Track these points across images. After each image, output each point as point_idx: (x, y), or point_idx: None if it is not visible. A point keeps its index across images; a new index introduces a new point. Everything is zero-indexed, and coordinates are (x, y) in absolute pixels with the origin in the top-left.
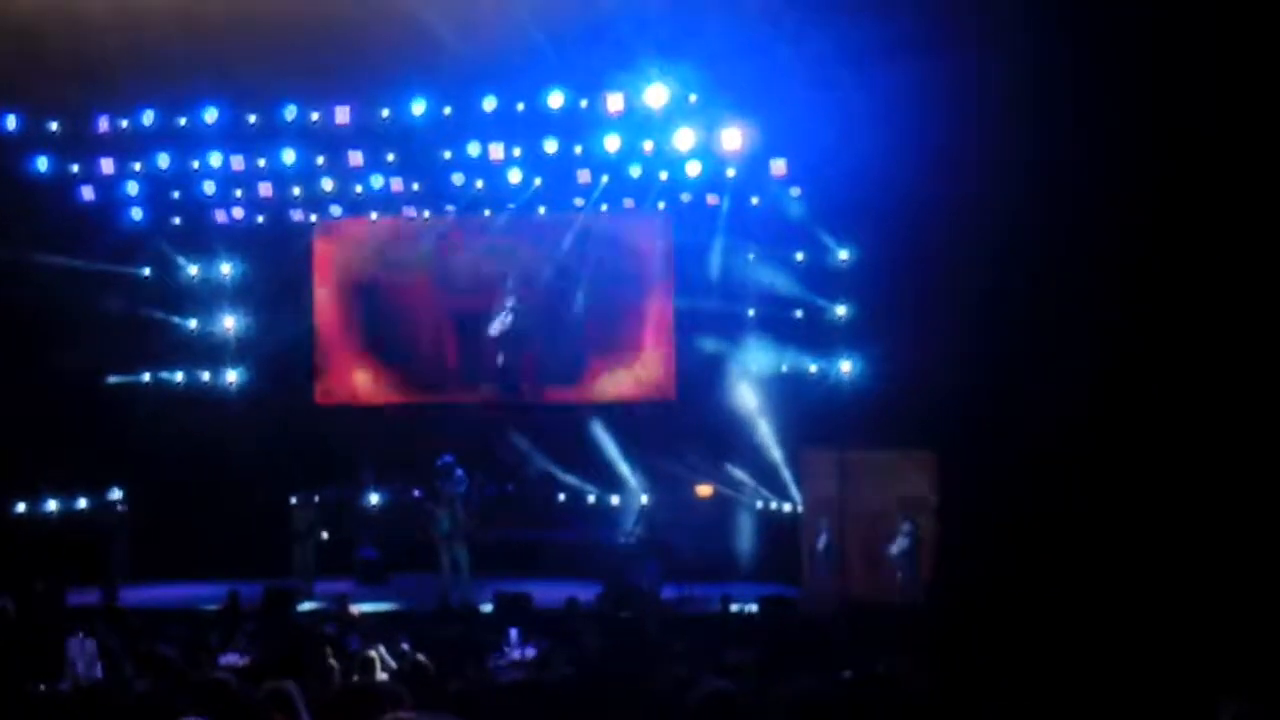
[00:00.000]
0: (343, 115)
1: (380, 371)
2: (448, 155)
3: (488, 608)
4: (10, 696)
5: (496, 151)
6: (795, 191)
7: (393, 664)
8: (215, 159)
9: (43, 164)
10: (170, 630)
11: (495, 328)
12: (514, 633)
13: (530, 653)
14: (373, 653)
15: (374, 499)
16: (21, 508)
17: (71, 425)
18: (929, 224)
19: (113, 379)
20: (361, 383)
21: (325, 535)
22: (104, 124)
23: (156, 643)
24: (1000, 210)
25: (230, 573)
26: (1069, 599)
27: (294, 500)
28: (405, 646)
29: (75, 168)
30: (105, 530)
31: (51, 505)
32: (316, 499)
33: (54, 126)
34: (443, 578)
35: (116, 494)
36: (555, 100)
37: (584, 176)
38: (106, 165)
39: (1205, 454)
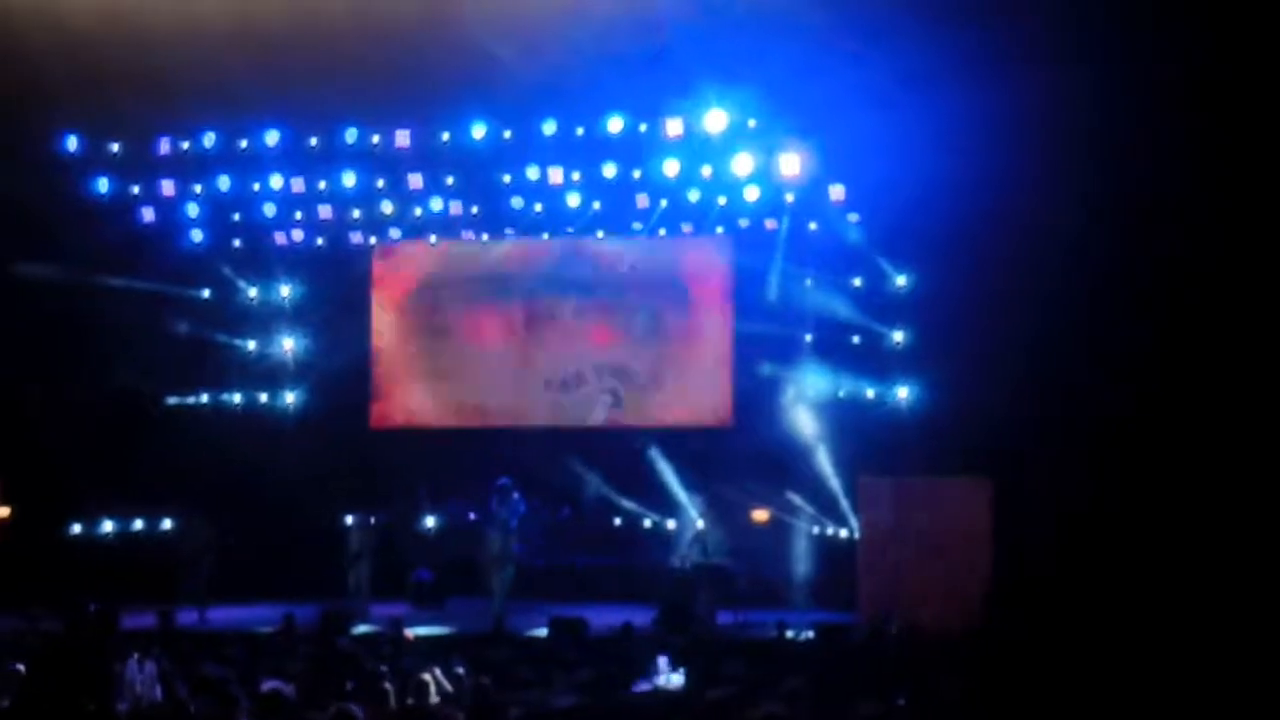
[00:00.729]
0: (403, 138)
1: (437, 395)
2: (507, 179)
3: (542, 632)
4: (62, 717)
5: (556, 175)
6: (853, 217)
7: (448, 687)
8: (276, 181)
9: (104, 185)
10: (225, 653)
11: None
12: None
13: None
14: (427, 676)
15: (429, 522)
16: (77, 529)
17: (129, 446)
18: (987, 250)
19: (171, 400)
20: (418, 405)
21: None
22: (165, 145)
23: (209, 665)
24: (1059, 235)
25: (286, 595)
26: (1129, 623)
27: (349, 522)
28: (460, 670)
29: (136, 189)
30: (181, 551)
31: (107, 527)
32: (372, 521)
33: (115, 148)
34: (494, 601)
35: (167, 520)
36: (615, 125)
37: (643, 201)
38: (167, 187)
39: (1270, 482)
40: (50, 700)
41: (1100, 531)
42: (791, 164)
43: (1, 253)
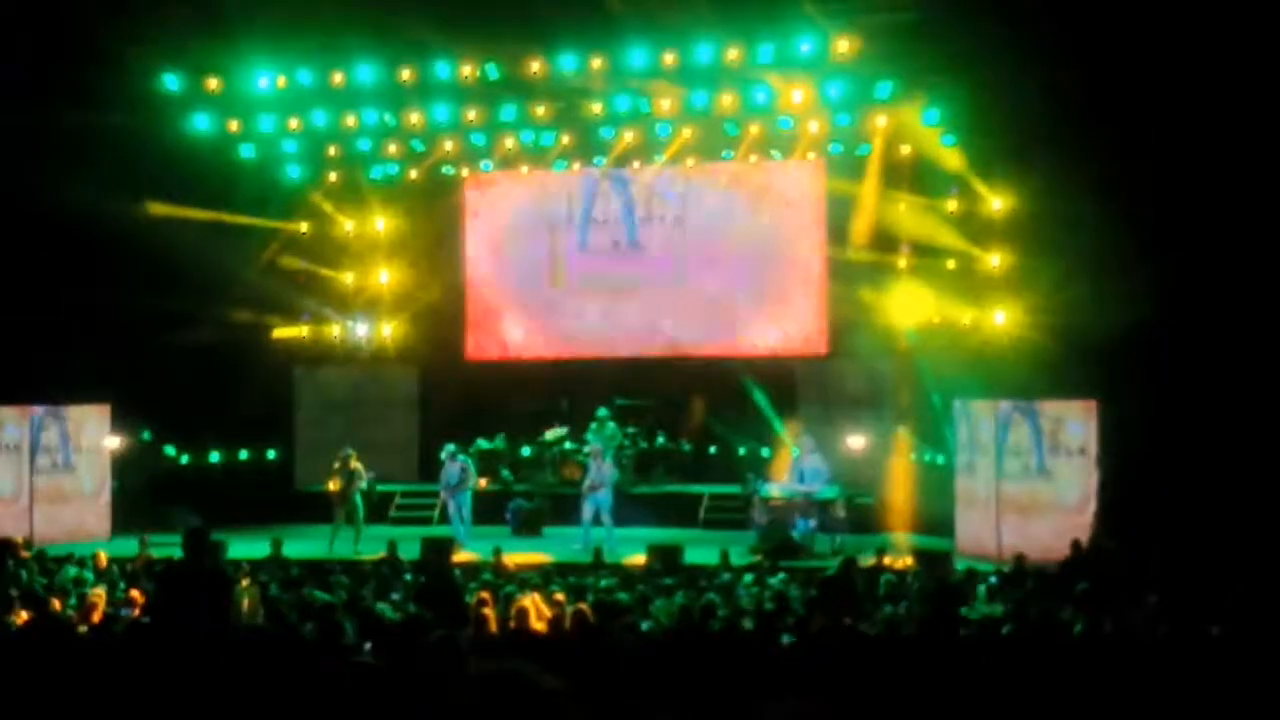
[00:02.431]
0: (493, 70)
1: (531, 325)
2: (598, 109)
3: (640, 559)
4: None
5: (646, 104)
6: (947, 139)
7: (546, 612)
8: (370, 115)
9: (202, 123)
10: (331, 579)
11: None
12: None
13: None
14: (527, 601)
15: (527, 451)
16: (185, 459)
17: (233, 379)
18: (1086, 170)
19: (275, 333)
20: (513, 337)
21: (481, 485)
22: (263, 82)
23: (316, 591)
24: (1159, 152)
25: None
26: (1231, 543)
27: (446, 452)
28: (559, 596)
29: (234, 126)
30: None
31: (215, 457)
32: (470, 451)
33: (213, 85)
34: (588, 529)
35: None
36: (705, 52)
37: (733, 128)
38: (265, 123)
39: None
40: (175, 618)
41: (1204, 453)
42: (885, 88)
43: (106, 191)
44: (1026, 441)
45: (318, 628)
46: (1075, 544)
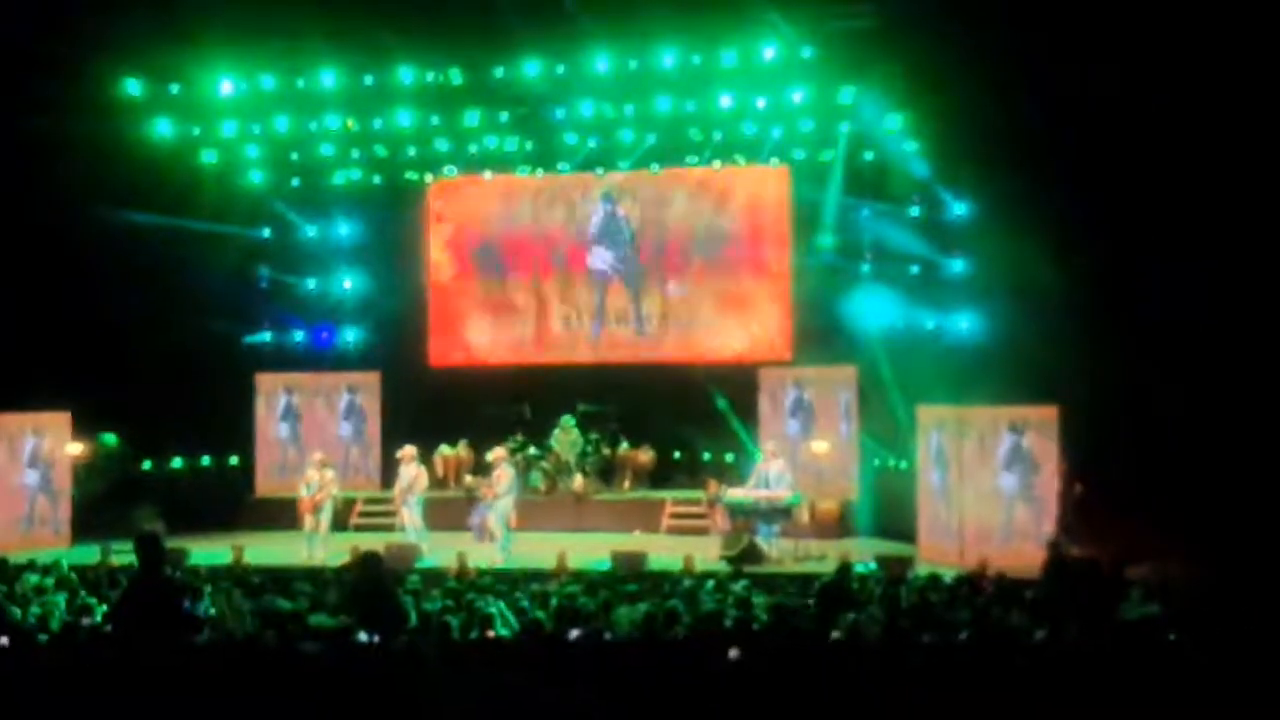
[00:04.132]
0: (456, 76)
1: (494, 331)
2: (560, 114)
3: (605, 566)
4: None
5: (609, 110)
6: (910, 145)
7: (513, 620)
8: (332, 121)
9: (164, 128)
10: (293, 588)
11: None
12: None
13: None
14: (491, 609)
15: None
16: (147, 465)
17: (195, 385)
18: (1048, 176)
19: (238, 339)
20: (476, 342)
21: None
22: (225, 87)
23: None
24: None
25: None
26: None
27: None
28: (523, 603)
29: (196, 132)
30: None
31: (177, 463)
32: (432, 458)
33: (175, 91)
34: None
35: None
36: (668, 57)
37: (697, 133)
38: (227, 128)
39: None
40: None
41: (1168, 456)
42: (847, 93)
43: (67, 197)
44: (989, 446)
45: (277, 636)
46: (1053, 546)
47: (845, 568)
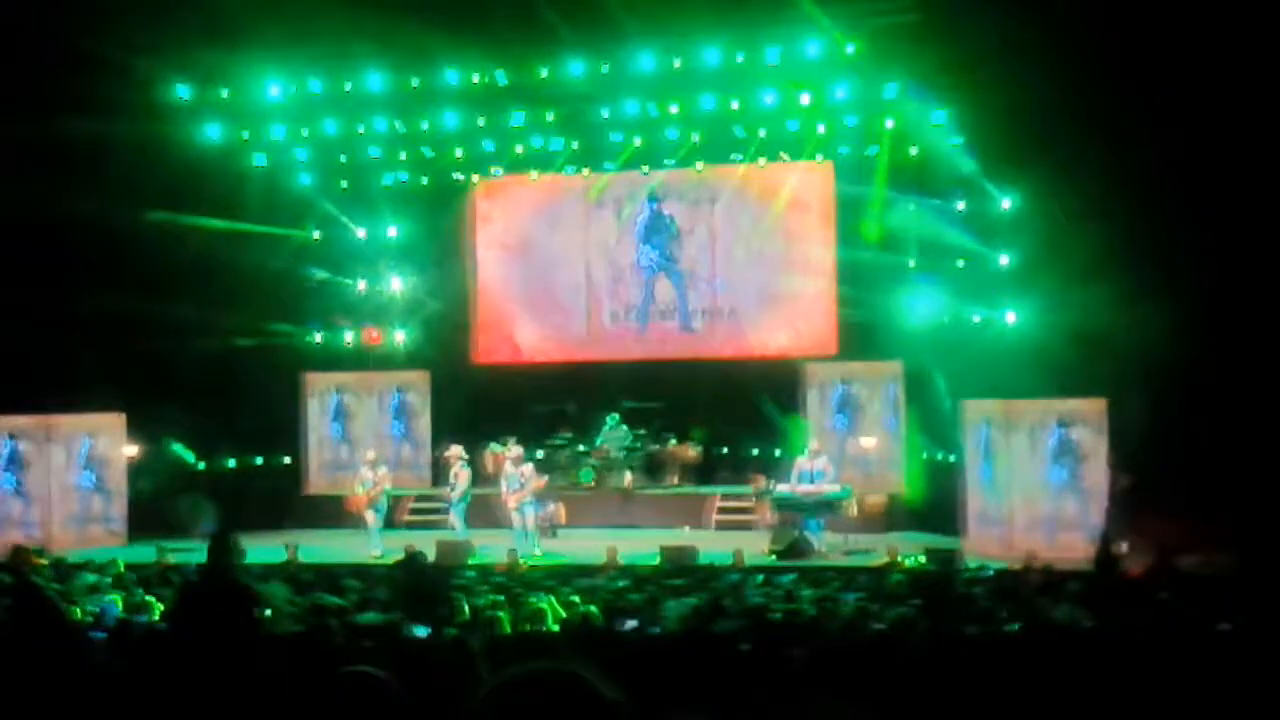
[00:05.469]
0: (501, 77)
1: (540, 329)
2: (605, 113)
3: (653, 560)
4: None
5: (653, 108)
6: (955, 140)
7: (562, 614)
8: (379, 123)
9: (213, 132)
10: (341, 584)
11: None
12: None
13: None
14: (543, 604)
15: (539, 454)
16: (201, 466)
17: (247, 385)
18: (1093, 168)
19: (288, 339)
20: (522, 340)
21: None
22: (273, 91)
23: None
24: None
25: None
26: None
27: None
28: (574, 598)
29: (246, 135)
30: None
31: (230, 463)
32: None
33: (224, 95)
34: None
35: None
36: (712, 55)
37: (741, 131)
38: (276, 131)
39: None
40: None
41: (1214, 452)
42: (892, 89)
43: (117, 201)
44: (1037, 439)
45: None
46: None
47: (948, 561)
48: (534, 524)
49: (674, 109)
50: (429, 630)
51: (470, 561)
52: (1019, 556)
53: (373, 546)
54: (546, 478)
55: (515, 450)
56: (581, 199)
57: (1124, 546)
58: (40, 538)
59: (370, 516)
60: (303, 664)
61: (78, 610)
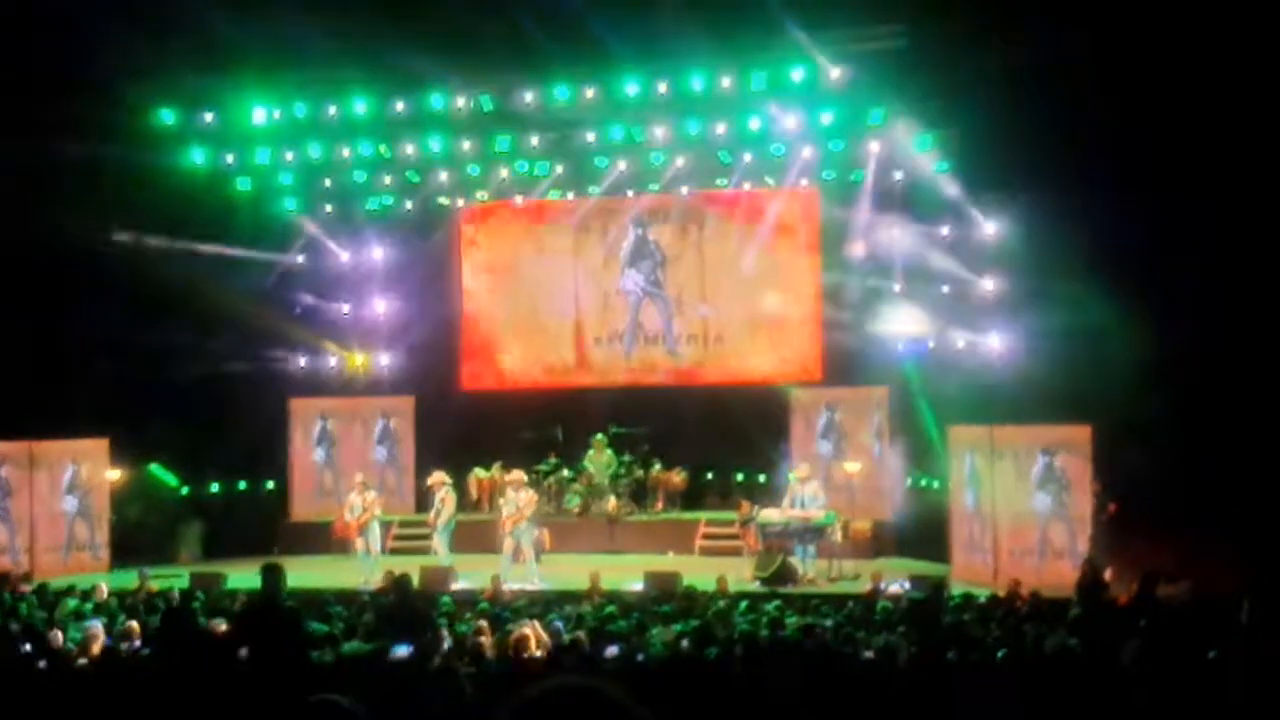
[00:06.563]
0: (487, 101)
1: (527, 355)
2: (590, 138)
3: (637, 586)
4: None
5: (639, 133)
6: (940, 165)
7: (547, 640)
8: (364, 147)
9: (198, 156)
10: (328, 610)
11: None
12: None
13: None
14: (527, 630)
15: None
16: (185, 491)
17: (231, 409)
18: (1079, 194)
19: (272, 364)
20: (509, 366)
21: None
22: (258, 115)
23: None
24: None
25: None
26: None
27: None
28: (558, 624)
29: (230, 159)
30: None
31: (214, 488)
32: (466, 480)
33: (209, 119)
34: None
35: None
36: (697, 80)
37: (727, 155)
38: (261, 156)
39: None
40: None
41: (1198, 476)
42: (877, 114)
43: (103, 225)
44: (1023, 467)
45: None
46: (1088, 563)
47: (937, 589)
48: (532, 553)
49: (659, 133)
50: (410, 647)
51: (454, 587)
52: (1005, 583)
53: (370, 572)
54: (536, 497)
55: (516, 475)
56: (565, 224)
57: (1109, 573)
58: (24, 563)
59: (360, 544)
60: (285, 693)
61: (60, 635)
